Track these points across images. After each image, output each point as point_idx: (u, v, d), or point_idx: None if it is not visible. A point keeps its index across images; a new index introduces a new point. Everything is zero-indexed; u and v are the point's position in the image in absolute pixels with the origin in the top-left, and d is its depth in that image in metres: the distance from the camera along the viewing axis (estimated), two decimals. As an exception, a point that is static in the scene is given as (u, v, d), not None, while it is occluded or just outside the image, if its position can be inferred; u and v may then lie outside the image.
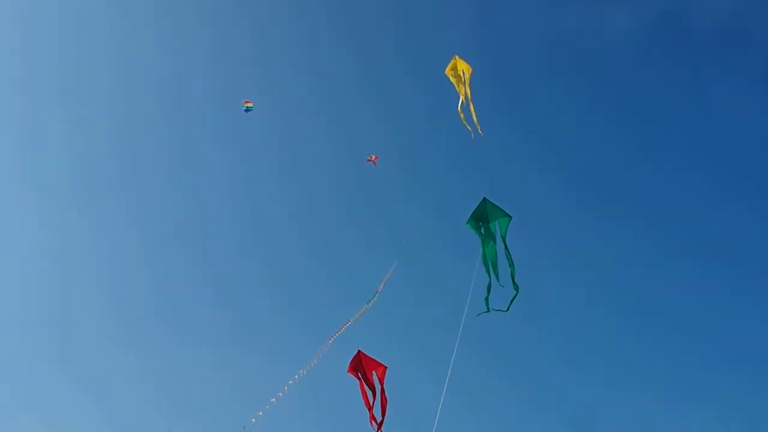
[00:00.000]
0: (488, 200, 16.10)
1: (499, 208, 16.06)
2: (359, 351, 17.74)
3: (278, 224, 42.55)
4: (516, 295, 15.62)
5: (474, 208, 16.17)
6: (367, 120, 40.21)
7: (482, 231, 16.06)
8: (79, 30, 40.63)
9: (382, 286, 19.65)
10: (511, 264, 15.76)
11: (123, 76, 40.86)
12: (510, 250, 15.85)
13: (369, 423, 17.23)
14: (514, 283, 15.72)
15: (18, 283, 39.74)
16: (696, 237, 40.96)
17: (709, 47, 40.84)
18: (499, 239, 16.04)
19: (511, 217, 15.96)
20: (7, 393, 33.69)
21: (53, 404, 34.64)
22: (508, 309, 15.80)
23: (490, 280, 15.97)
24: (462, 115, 18.26)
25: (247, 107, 27.84)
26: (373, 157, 30.33)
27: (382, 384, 17.56)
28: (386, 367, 17.63)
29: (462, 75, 18.34)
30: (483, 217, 16.07)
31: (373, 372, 17.62)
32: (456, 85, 18.42)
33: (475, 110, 18.17)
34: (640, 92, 42.17)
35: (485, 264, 16.06)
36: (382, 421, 16.88)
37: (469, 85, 18.33)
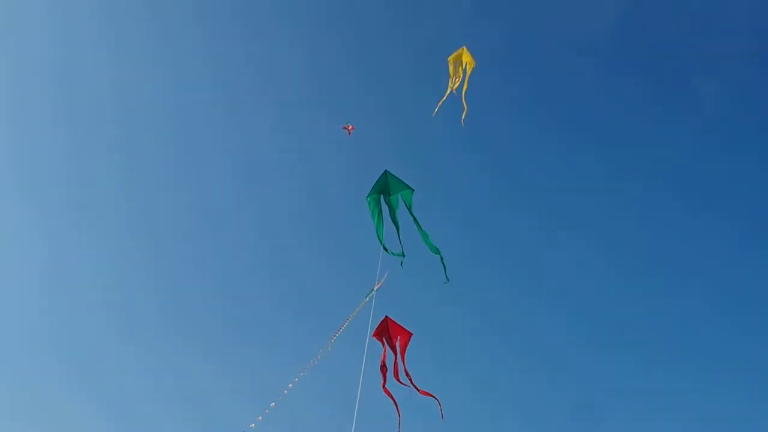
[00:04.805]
0: (390, 173, 16.61)
1: (401, 181, 16.56)
2: (386, 317, 17.62)
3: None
4: (442, 259, 16.65)
5: (374, 183, 16.69)
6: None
7: (383, 204, 16.61)
8: (71, 33, 38.41)
9: (377, 287, 19.70)
10: (421, 229, 16.55)
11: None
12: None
13: (382, 388, 17.12)
14: (434, 249, 16.60)
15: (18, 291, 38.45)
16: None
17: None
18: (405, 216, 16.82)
19: (413, 190, 16.52)
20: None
21: (56, 406, 34.16)
22: (447, 280, 16.93)
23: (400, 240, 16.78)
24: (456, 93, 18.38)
25: None
26: (350, 127, 29.72)
27: (403, 350, 17.55)
28: (411, 334, 17.60)
29: (465, 67, 18.45)
30: (385, 189, 16.59)
31: (397, 338, 17.56)
32: (451, 74, 18.56)
33: (467, 104, 18.34)
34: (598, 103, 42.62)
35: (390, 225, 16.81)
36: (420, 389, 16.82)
37: (468, 80, 18.39)
